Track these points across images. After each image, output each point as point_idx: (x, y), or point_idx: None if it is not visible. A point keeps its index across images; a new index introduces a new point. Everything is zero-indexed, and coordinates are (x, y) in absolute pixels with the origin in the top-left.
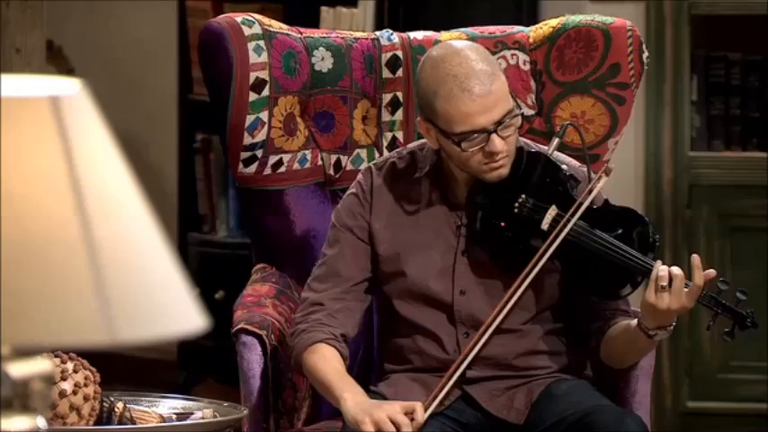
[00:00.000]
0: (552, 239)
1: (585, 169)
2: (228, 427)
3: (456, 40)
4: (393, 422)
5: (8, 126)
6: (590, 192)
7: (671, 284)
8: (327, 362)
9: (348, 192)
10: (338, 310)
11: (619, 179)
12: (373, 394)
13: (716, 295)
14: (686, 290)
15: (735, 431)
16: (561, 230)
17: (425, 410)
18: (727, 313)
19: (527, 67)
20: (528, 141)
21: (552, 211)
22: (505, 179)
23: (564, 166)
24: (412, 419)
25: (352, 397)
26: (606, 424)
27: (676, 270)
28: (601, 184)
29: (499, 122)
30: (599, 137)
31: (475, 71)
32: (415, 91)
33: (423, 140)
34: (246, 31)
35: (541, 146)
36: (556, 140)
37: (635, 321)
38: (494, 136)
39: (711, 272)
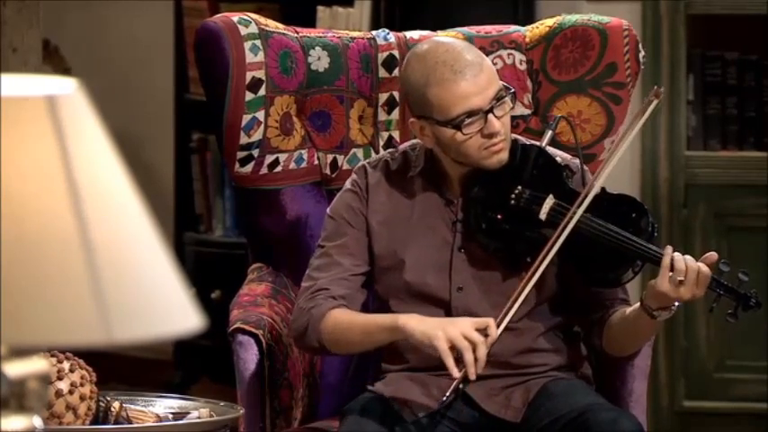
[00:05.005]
0: (561, 231)
1: (578, 162)
2: (225, 427)
3: (434, 37)
4: (467, 339)
5: (4, 126)
6: (597, 178)
7: (685, 276)
8: (351, 314)
9: (343, 189)
10: (342, 295)
11: (615, 178)
12: (371, 394)
13: (718, 277)
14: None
15: (731, 431)
16: (569, 222)
17: (498, 326)
18: (730, 294)
19: (523, 67)
20: (519, 137)
21: (550, 201)
22: (500, 171)
23: (558, 158)
24: (485, 336)
25: (409, 318)
26: (601, 423)
27: (691, 262)
28: (626, 145)
29: (493, 102)
30: (595, 136)
31: (462, 55)
32: (402, 92)
33: (414, 141)
34: (243, 30)
35: (535, 141)
36: (549, 133)
37: (637, 304)
38: (491, 116)
39: (713, 255)
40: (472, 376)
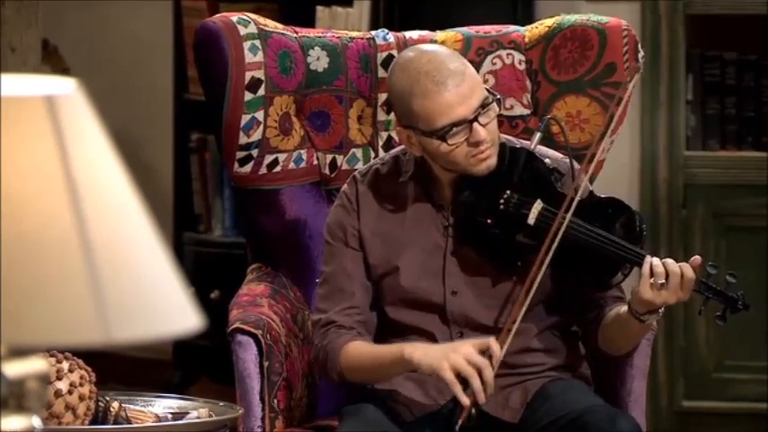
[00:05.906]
0: (550, 243)
1: (569, 161)
2: (224, 427)
3: (418, 45)
4: (472, 364)
5: (4, 126)
6: (576, 189)
7: (667, 280)
8: (364, 347)
9: (335, 204)
10: (351, 326)
11: (614, 179)
12: (370, 394)
13: (706, 279)
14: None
15: (730, 431)
16: (558, 231)
17: (501, 346)
18: (718, 297)
19: (522, 67)
20: (510, 138)
21: (538, 206)
22: (489, 176)
23: (547, 160)
24: (489, 357)
25: (414, 350)
26: (600, 424)
27: (672, 266)
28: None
29: (478, 110)
30: (594, 136)
31: (445, 65)
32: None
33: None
34: (242, 30)
35: (524, 141)
36: (537, 135)
37: (625, 307)
38: (475, 125)
39: (697, 258)
40: (482, 401)
